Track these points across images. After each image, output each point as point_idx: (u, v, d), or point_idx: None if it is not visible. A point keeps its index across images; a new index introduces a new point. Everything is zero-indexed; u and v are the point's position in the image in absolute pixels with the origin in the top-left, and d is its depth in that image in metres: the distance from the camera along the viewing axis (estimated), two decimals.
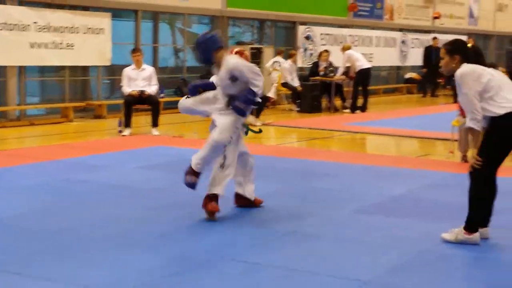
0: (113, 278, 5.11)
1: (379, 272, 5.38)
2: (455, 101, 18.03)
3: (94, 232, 6.29)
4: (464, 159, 10.49)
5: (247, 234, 6.38)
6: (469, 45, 6.64)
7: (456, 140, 10.68)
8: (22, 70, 14.69)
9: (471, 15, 30.05)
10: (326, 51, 19.03)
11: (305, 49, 21.04)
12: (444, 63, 6.15)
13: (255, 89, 6.75)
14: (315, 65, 19.04)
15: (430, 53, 23.82)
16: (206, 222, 6.76)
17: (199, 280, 5.13)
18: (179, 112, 7.42)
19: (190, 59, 19.34)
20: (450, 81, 21.80)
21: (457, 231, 6.12)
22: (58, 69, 15.56)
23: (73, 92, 15.93)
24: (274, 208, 7.32)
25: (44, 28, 14.53)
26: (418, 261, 5.70)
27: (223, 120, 6.74)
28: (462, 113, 10.38)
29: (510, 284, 5.20)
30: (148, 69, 13.43)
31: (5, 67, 14.27)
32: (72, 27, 15.07)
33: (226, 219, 6.89)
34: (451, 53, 6.09)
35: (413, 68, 26.22)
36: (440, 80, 23.53)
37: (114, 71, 16.56)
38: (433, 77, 23.81)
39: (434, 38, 24.37)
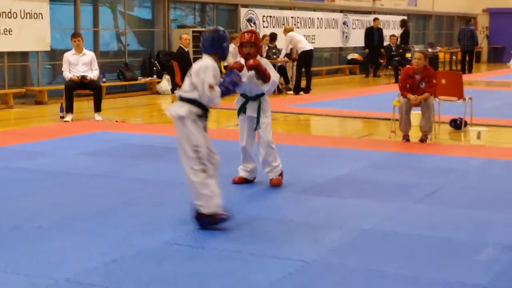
0: (54, 265, 5.03)
1: (322, 252, 5.40)
2: (396, 81, 18.26)
3: (32, 221, 6.18)
4: (406, 138, 10.62)
5: (190, 219, 6.33)
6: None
7: (397, 120, 10.79)
8: None
9: None
10: (267, 35, 19.01)
11: None
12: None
13: None
14: None
15: (372, 34, 24.03)
16: (147, 208, 6.70)
17: (142, 265, 5.07)
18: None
19: (132, 43, 19.14)
20: (391, 61, 22.11)
21: None
22: None
23: (13, 78, 15.61)
24: (222, 192, 7.27)
25: None
26: (360, 240, 5.75)
27: None
28: (403, 93, 10.50)
29: (447, 261, 5.27)
30: (89, 54, 13.22)
31: None
32: (9, 12, 14.74)
33: (169, 205, 6.84)
34: None
35: (355, 49, 26.41)
36: (382, 61, 23.75)
37: (55, 56, 16.29)
38: (375, 58, 24.03)
39: (375, 19, 24.58)
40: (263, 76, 7.26)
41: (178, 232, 5.87)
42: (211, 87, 5.86)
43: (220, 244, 5.60)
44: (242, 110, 7.58)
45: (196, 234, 5.84)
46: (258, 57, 7.41)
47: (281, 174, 7.64)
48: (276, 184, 7.56)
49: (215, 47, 6.12)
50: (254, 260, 5.23)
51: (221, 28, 6.28)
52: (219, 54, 6.16)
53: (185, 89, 6.02)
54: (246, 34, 7.47)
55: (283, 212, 6.67)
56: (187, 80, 6.05)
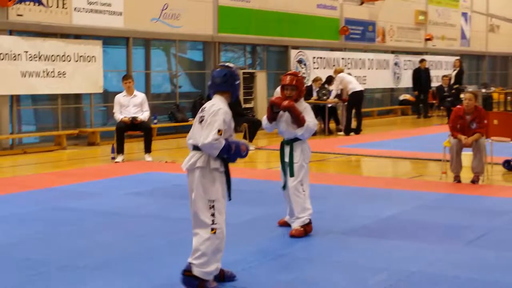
0: None
1: None
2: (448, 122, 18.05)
3: (78, 260, 6.21)
4: (457, 179, 10.45)
5: (235, 257, 6.29)
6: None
7: (448, 161, 10.64)
8: (14, 99, 14.67)
9: (463, 36, 30.15)
10: (319, 78, 19.07)
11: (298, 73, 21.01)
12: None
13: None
14: (308, 89, 19.07)
15: (419, 75, 23.85)
16: (188, 249, 6.66)
17: None
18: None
19: (184, 85, 19.38)
20: (443, 102, 21.89)
21: None
22: (51, 97, 15.53)
23: (66, 119, 15.89)
24: (267, 232, 7.25)
25: (35, 57, 14.54)
26: (406, 283, 5.63)
27: None
28: (453, 134, 10.36)
29: None
30: (140, 96, 13.40)
31: None
32: (63, 55, 15.08)
33: None
34: None
35: (406, 90, 26.23)
36: (434, 101, 23.55)
37: (107, 98, 16.53)
38: (424, 98, 23.84)
39: (423, 60, 24.42)
40: (296, 119, 7.06)
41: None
42: (219, 132, 5.25)
43: (264, 284, 5.54)
44: (281, 153, 7.34)
45: (239, 274, 5.78)
46: (301, 101, 7.23)
47: (307, 224, 7.14)
48: (295, 235, 7.04)
49: (227, 84, 5.57)
50: None
51: (232, 64, 5.82)
52: (231, 92, 5.61)
53: (195, 139, 5.42)
54: (287, 76, 7.24)
55: (329, 252, 6.58)
56: (196, 126, 5.48)
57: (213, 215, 5.34)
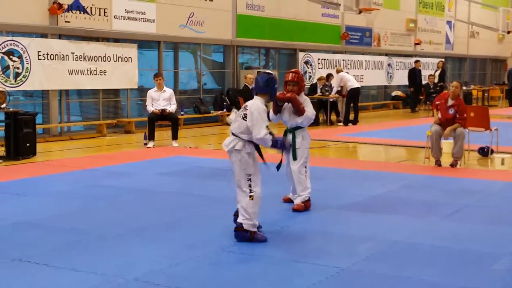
0: (127, 267, 5.09)
1: (355, 260, 5.32)
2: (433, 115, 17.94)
3: (113, 230, 6.27)
4: (438, 163, 10.41)
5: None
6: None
7: (429, 148, 10.60)
8: (62, 94, 14.75)
9: (447, 41, 29.90)
10: (323, 77, 18.97)
11: (305, 72, 20.98)
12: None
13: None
14: (313, 86, 19.08)
15: (414, 74, 23.68)
16: (208, 220, 6.72)
17: (200, 269, 5.09)
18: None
19: (207, 82, 19.38)
20: (429, 97, 21.75)
21: None
22: (93, 92, 15.58)
23: (107, 111, 15.95)
24: (272, 207, 7.27)
25: (80, 58, 14.58)
26: (390, 251, 5.64)
27: None
28: (432, 108, 10.46)
29: (466, 270, 5.11)
30: (168, 91, 13.43)
31: (48, 91, 14.32)
32: (104, 56, 15.12)
33: (227, 218, 6.84)
34: None
35: (398, 87, 26.09)
36: (421, 97, 23.40)
37: (142, 92, 16.56)
38: (417, 95, 23.68)
39: (417, 61, 24.24)
40: (297, 109, 7.10)
41: (232, 240, 5.87)
42: (267, 128, 5.78)
43: (268, 251, 5.57)
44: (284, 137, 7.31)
45: (247, 242, 5.82)
46: (301, 95, 7.24)
47: (307, 200, 7.21)
48: (297, 210, 7.11)
49: (269, 88, 5.97)
50: (296, 266, 5.18)
51: (272, 71, 6.14)
52: (270, 93, 6.02)
53: (237, 129, 5.87)
54: (290, 74, 7.26)
55: (324, 225, 6.60)
56: (239, 120, 5.88)
57: (250, 185, 5.86)
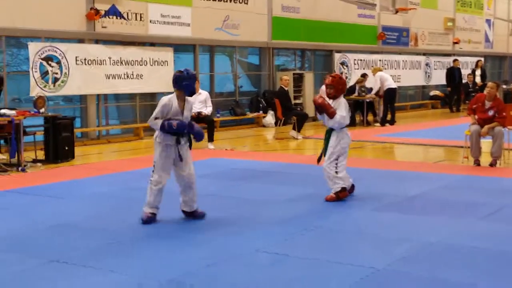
0: (160, 268, 5.10)
1: (391, 261, 5.24)
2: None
3: (147, 231, 6.31)
4: (476, 162, 10.24)
5: (280, 229, 6.30)
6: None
7: (469, 147, 10.42)
8: (100, 98, 14.93)
9: (487, 40, 29.42)
10: (361, 79, 18.75)
11: (341, 73, 20.84)
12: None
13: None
14: (351, 87, 18.88)
15: (453, 73, 23.33)
16: (243, 221, 6.69)
17: (234, 269, 5.08)
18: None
19: (245, 85, 19.41)
20: (469, 96, 21.41)
21: None
22: (130, 96, 15.74)
23: (144, 114, 16.02)
24: (308, 208, 7.25)
25: (117, 62, 14.74)
26: (427, 252, 5.55)
27: None
28: (468, 112, 10.27)
29: (505, 272, 5.00)
30: (204, 94, 13.49)
31: (86, 95, 14.51)
32: (141, 60, 15.26)
33: (260, 219, 6.83)
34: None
35: (436, 87, 25.75)
36: (462, 96, 23.05)
37: None
38: (457, 94, 23.31)
39: (456, 60, 23.90)
40: (326, 113, 7.45)
41: (267, 241, 5.85)
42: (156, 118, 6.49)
43: (302, 252, 5.53)
44: (325, 137, 7.69)
45: (282, 243, 5.79)
46: (339, 97, 7.54)
47: (340, 191, 7.52)
48: (328, 200, 7.50)
49: (177, 85, 6.51)
50: (331, 266, 5.13)
51: (184, 70, 6.54)
52: (182, 90, 6.51)
53: None
54: (328, 77, 7.63)
55: (360, 225, 6.53)
56: None
57: (153, 171, 6.62)
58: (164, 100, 6.55)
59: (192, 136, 6.80)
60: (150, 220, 6.56)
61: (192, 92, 6.64)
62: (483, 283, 4.71)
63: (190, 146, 6.81)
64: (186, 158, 6.71)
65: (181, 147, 6.64)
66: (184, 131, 6.57)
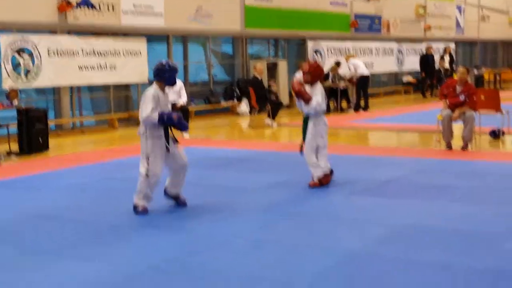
0: (140, 256, 5.13)
1: (367, 243, 5.33)
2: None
3: (122, 220, 6.33)
4: (449, 146, 10.39)
5: (258, 216, 6.36)
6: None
7: (441, 132, 10.56)
8: (73, 89, 14.82)
9: (458, 25, 29.71)
10: (334, 67, 18.81)
11: (315, 61, 20.91)
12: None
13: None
14: (326, 75, 18.91)
15: (427, 59, 23.52)
16: (224, 208, 6.74)
17: (214, 256, 5.12)
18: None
19: (218, 74, 19.40)
20: (441, 82, 21.62)
21: None
22: (104, 87, 15.66)
23: (118, 105, 16.02)
24: (284, 194, 7.31)
25: (90, 53, 14.65)
26: (402, 234, 5.64)
27: None
28: (440, 97, 10.42)
29: (478, 251, 5.11)
30: (178, 84, 13.43)
31: (59, 87, 14.40)
32: (114, 51, 15.17)
33: (237, 206, 6.88)
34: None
35: (409, 73, 25.96)
36: (434, 82, 23.27)
37: None
38: (430, 79, 23.51)
39: (430, 47, 24.04)
40: (302, 99, 7.57)
41: (246, 228, 5.92)
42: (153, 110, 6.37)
43: (281, 237, 5.60)
44: (303, 124, 7.79)
45: (260, 229, 5.85)
46: (316, 83, 7.65)
47: (323, 177, 7.62)
48: (311, 186, 7.60)
49: (158, 76, 6.52)
50: (310, 250, 5.20)
51: (165, 62, 6.57)
52: (163, 81, 6.52)
53: None
54: (304, 64, 7.81)
55: (337, 210, 6.62)
56: None
57: (147, 164, 6.53)
58: (150, 92, 6.48)
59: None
60: (145, 212, 6.53)
61: (173, 84, 6.64)
62: (457, 262, 4.81)
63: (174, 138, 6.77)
64: (176, 147, 6.72)
65: (169, 138, 6.63)
66: (182, 122, 6.58)
